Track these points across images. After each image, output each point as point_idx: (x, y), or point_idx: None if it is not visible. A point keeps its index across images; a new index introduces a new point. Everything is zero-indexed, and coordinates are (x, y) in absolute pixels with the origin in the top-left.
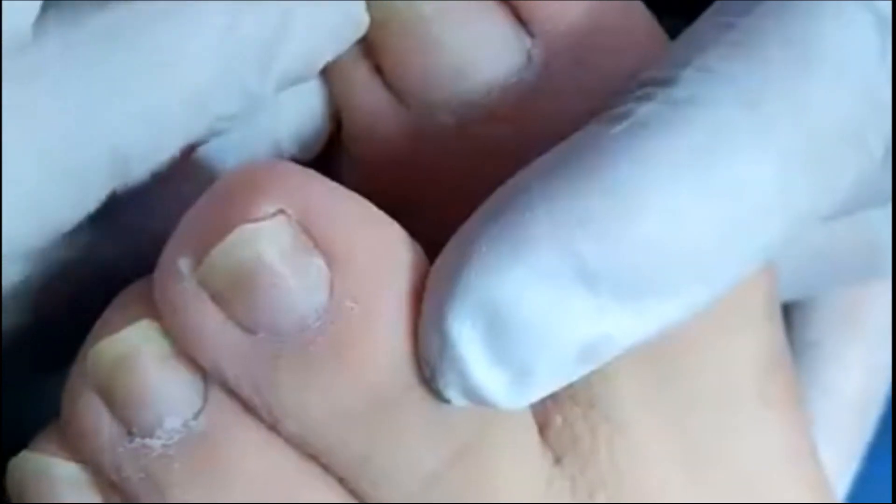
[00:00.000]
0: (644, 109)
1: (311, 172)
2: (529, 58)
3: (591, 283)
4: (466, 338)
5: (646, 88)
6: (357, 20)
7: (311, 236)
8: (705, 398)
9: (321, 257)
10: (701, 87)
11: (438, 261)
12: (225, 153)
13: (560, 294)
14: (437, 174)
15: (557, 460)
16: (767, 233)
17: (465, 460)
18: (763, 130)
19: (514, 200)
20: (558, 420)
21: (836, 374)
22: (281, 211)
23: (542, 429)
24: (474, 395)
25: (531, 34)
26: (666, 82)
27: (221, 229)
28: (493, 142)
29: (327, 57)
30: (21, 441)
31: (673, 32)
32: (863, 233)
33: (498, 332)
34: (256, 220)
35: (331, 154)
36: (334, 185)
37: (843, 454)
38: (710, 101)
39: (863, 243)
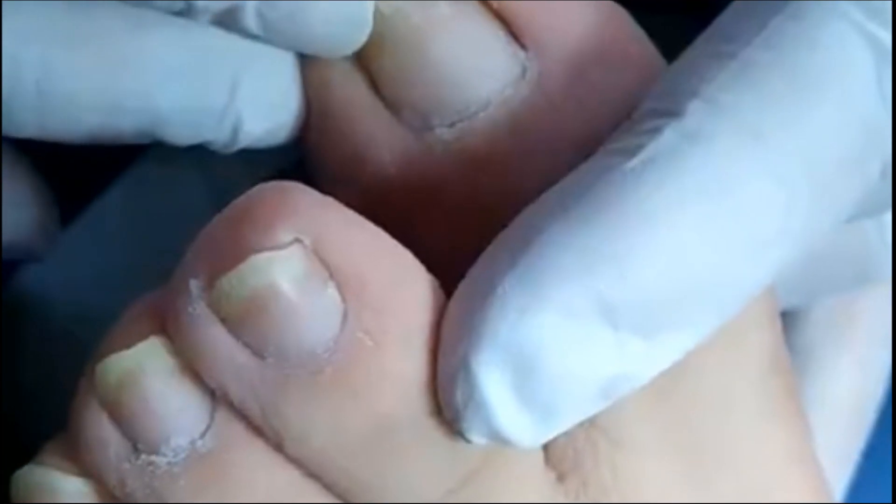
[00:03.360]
0: (654, 144)
1: (328, 199)
2: (524, 70)
3: (611, 321)
4: (493, 384)
5: (654, 121)
6: (362, 20)
7: (326, 265)
8: (706, 405)
9: (334, 287)
10: (708, 120)
11: (454, 304)
12: (173, 110)
13: (583, 333)
14: (432, 189)
15: (560, 479)
16: (775, 257)
17: (470, 486)
18: (768, 161)
19: (530, 242)
20: (561, 438)
21: (827, 380)
22: (296, 239)
23: (546, 447)
24: (498, 438)
25: (524, 47)
26: (674, 114)
27: (235, 255)
28: (489, 156)
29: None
30: (24, 451)
31: (662, 29)
32: (857, 240)
33: (524, 377)
34: (271, 248)
35: (313, 175)
36: (350, 213)
37: (835, 461)
38: (717, 133)
39: (857, 251)
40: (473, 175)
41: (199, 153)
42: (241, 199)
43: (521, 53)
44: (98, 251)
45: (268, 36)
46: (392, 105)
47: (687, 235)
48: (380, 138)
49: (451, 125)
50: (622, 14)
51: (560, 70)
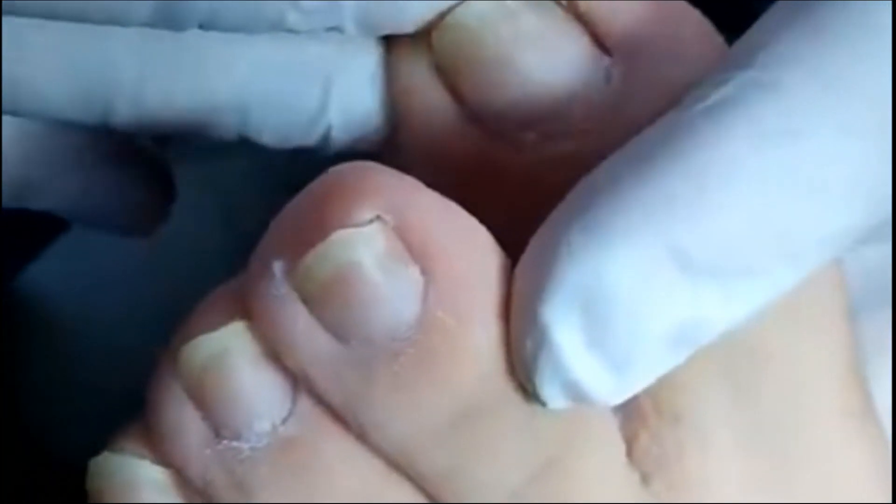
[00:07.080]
0: (724, 90)
1: (407, 178)
2: (608, 76)
3: (683, 265)
4: (563, 327)
5: (723, 74)
6: None
7: (407, 243)
8: (787, 409)
9: (416, 266)
10: (778, 70)
11: (525, 257)
12: (264, 115)
13: (655, 276)
14: (513, 195)
15: (644, 479)
16: (848, 215)
17: (551, 475)
18: (841, 112)
19: (599, 191)
20: (645, 436)
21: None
22: (378, 217)
23: (629, 445)
24: (572, 390)
25: (608, 52)
26: (743, 65)
27: (318, 233)
28: (572, 160)
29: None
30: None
31: None
32: None
33: (595, 319)
34: (353, 225)
35: None
36: (430, 191)
37: None
38: (788, 82)
39: None
40: (557, 179)
41: (201, 156)
42: (320, 179)
43: (606, 59)
44: (99, 251)
45: None
46: (476, 114)
47: (757, 181)
48: (462, 146)
49: (536, 132)
50: (696, 13)
51: (643, 73)
